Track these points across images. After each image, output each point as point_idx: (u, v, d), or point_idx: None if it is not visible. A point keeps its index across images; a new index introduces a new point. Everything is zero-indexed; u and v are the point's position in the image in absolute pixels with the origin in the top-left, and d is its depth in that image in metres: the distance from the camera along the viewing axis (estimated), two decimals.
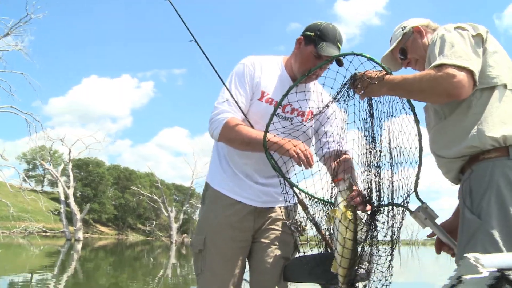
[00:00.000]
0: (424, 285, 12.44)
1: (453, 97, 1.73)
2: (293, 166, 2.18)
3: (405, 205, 1.99)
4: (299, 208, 2.25)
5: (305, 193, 2.21)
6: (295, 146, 2.02)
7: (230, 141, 2.23)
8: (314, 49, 2.21)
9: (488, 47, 1.85)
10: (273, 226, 2.34)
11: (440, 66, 1.73)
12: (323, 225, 2.18)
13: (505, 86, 1.81)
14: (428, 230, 1.99)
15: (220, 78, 2.33)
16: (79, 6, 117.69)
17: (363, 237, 1.99)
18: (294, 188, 2.21)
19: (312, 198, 2.22)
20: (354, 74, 1.96)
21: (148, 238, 61.98)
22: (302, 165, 2.03)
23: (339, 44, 2.24)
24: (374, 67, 1.94)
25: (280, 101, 2.11)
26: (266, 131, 2.07)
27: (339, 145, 2.28)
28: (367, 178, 2.05)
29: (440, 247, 2.03)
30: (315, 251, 2.23)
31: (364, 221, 2.02)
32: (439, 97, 1.76)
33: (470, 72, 1.71)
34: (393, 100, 2.01)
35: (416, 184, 1.97)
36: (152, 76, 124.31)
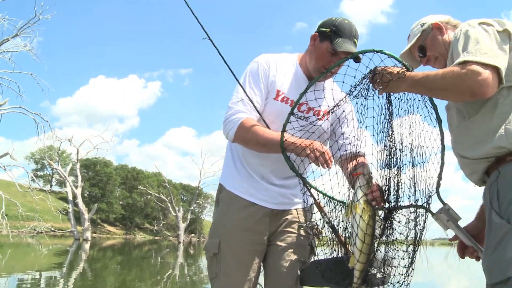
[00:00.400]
0: (432, 285, 12.33)
1: (477, 96, 1.65)
2: (310, 163, 2.12)
3: (426, 206, 1.93)
4: (315, 209, 2.21)
5: (324, 194, 2.15)
6: (312, 145, 1.97)
7: (245, 142, 2.18)
8: (330, 45, 2.16)
9: None
10: (288, 229, 2.28)
11: (464, 63, 1.65)
12: (340, 227, 2.12)
13: None
14: (443, 233, 1.92)
15: (234, 76, 2.27)
16: (86, 7, 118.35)
17: (380, 233, 1.97)
18: (312, 189, 2.16)
19: (331, 200, 2.16)
20: (374, 69, 1.90)
21: (156, 238, 62.15)
22: (320, 165, 1.97)
23: (355, 40, 2.18)
24: (395, 64, 1.88)
25: (298, 100, 2.06)
26: (283, 130, 2.03)
27: (357, 142, 2.20)
28: (385, 176, 2.00)
29: (463, 251, 1.96)
30: (332, 254, 2.16)
31: (382, 219, 1.98)
32: (463, 95, 1.68)
33: (495, 69, 1.63)
34: (414, 98, 1.95)
35: (438, 185, 1.91)
36: (159, 76, 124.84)
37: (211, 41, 2.27)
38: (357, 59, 2.02)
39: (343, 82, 2.03)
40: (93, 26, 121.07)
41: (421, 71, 1.85)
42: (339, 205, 2.15)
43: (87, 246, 28.71)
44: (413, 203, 1.96)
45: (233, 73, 2.28)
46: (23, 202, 29.26)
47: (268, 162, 2.24)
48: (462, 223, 1.95)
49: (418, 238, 1.98)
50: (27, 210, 28.67)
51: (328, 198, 2.15)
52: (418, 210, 1.97)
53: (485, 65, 1.62)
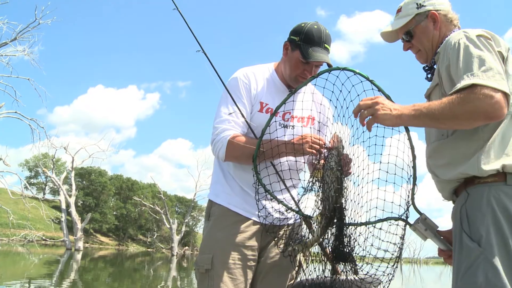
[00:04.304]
0: None
1: (493, 120, 1.58)
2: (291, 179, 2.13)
3: (403, 218, 1.92)
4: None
5: (290, 208, 2.13)
6: (301, 140, 2.02)
7: (237, 159, 2.16)
8: (300, 55, 2.14)
9: (508, 69, 1.72)
10: (279, 245, 2.22)
11: (472, 86, 1.57)
12: (326, 244, 2.07)
13: None
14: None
15: (226, 88, 2.24)
16: (88, 16, 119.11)
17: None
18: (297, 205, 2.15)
19: (299, 214, 2.16)
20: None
21: (149, 250, 61.69)
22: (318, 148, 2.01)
23: (326, 45, 2.15)
24: (361, 81, 1.82)
25: (274, 112, 2.01)
26: (259, 144, 2.02)
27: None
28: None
29: (445, 257, 1.91)
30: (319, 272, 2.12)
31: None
32: (476, 120, 1.59)
33: (505, 93, 1.56)
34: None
35: (413, 195, 1.90)
36: (157, 88, 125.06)
37: (205, 53, 2.25)
38: (329, 66, 2.07)
39: (323, 87, 1.97)
40: (94, 36, 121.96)
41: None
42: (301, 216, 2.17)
43: (78, 256, 28.34)
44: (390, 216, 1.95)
45: (224, 84, 2.25)
46: (14, 210, 29.03)
47: (261, 175, 2.13)
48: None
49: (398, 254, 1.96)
50: (18, 218, 28.42)
51: (292, 210, 2.15)
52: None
53: (495, 90, 1.55)
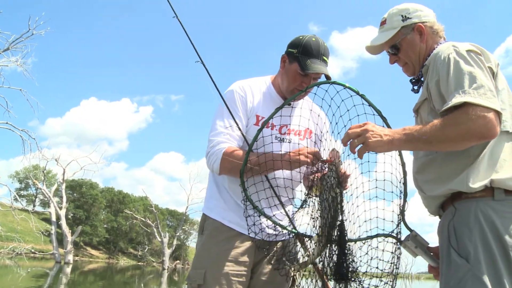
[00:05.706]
0: None
1: (487, 139, 1.58)
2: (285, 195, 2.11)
3: (393, 234, 1.90)
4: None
5: (273, 222, 2.10)
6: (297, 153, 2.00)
7: (231, 172, 2.12)
8: (299, 67, 2.13)
9: (498, 85, 1.71)
10: (272, 261, 2.20)
11: (464, 105, 1.55)
12: (320, 261, 2.03)
13: (507, 132, 1.68)
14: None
15: (223, 100, 2.22)
16: (83, 27, 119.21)
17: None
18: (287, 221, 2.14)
19: (289, 232, 2.13)
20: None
21: (139, 263, 60.95)
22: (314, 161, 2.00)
23: (324, 57, 2.15)
24: (351, 96, 1.79)
25: (264, 124, 1.98)
26: (246, 159, 1.98)
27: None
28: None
29: (436, 274, 1.89)
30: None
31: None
32: (470, 142, 1.58)
33: (497, 112, 1.55)
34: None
35: (403, 211, 1.89)
36: (150, 101, 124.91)
37: (204, 64, 2.24)
38: (328, 77, 2.08)
39: (322, 100, 1.95)
40: (88, 47, 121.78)
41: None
42: (292, 234, 2.14)
43: (68, 269, 27.89)
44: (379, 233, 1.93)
45: (222, 96, 2.23)
46: (3, 222, 28.67)
47: (257, 189, 2.13)
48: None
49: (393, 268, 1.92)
50: (7, 230, 27.97)
51: (280, 226, 2.11)
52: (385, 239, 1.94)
53: (488, 109, 1.53)
